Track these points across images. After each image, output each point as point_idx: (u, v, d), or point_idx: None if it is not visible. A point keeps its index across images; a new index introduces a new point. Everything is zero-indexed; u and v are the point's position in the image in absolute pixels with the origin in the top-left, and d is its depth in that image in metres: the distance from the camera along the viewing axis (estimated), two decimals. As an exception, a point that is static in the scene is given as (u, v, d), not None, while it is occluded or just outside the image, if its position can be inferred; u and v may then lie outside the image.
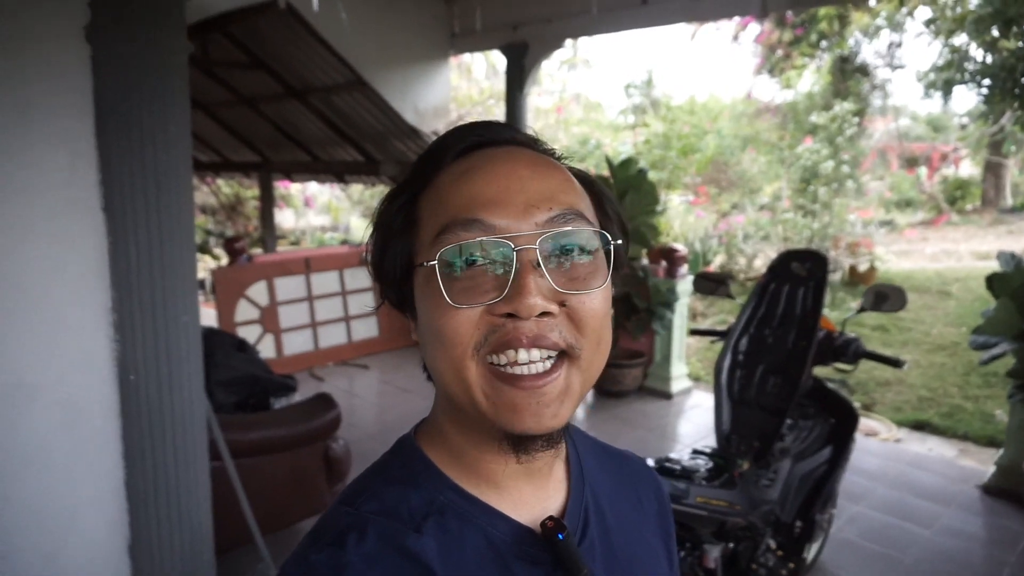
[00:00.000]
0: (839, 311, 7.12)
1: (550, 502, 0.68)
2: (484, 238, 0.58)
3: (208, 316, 5.58)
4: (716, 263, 8.98)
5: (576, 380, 0.60)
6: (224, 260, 6.33)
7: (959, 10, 5.61)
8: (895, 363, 2.38)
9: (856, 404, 5.23)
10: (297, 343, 5.57)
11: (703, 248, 8.59)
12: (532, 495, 0.67)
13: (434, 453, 0.67)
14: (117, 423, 1.92)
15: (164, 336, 1.93)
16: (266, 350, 5.33)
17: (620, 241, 0.65)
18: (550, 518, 0.64)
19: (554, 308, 0.57)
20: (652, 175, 5.89)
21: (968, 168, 16.68)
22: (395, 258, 0.65)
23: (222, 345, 3.30)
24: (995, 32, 5.10)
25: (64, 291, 1.80)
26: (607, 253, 0.63)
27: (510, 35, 5.80)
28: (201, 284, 8.98)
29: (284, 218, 16.47)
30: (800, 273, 2.52)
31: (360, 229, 16.36)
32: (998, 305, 3.44)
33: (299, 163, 8.42)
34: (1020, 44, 5.05)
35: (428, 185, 0.64)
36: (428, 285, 0.60)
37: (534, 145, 0.67)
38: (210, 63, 6.69)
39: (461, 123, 0.71)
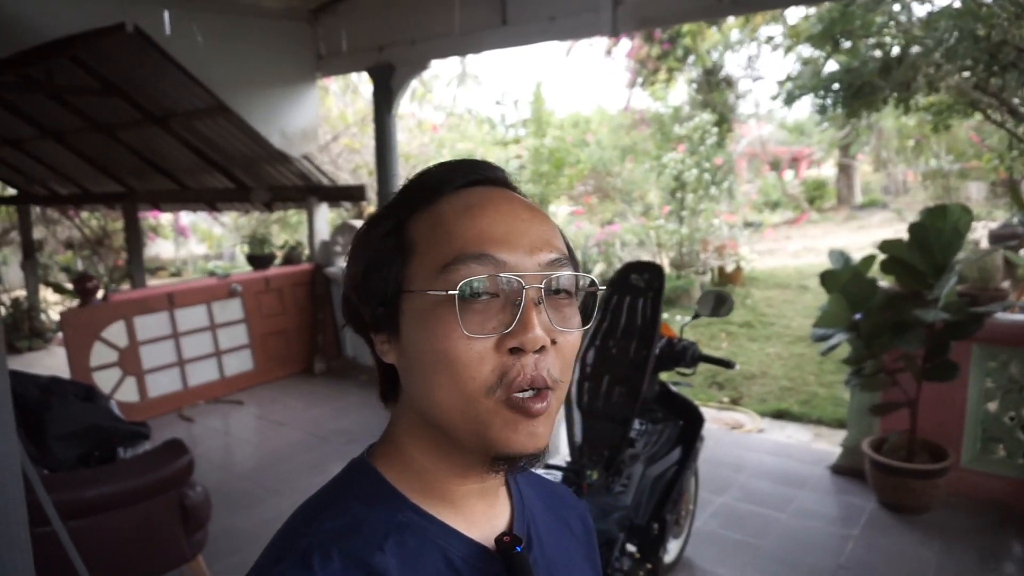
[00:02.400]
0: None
1: (498, 520, 0.73)
2: (501, 274, 0.61)
3: (61, 358, 5.21)
4: (596, 271, 9.26)
5: (555, 406, 0.65)
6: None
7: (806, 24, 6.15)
8: (727, 364, 2.54)
9: (724, 399, 5.54)
10: (163, 383, 5.28)
11: (584, 258, 8.84)
12: (483, 513, 0.71)
13: (391, 474, 0.69)
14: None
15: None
16: (128, 394, 5.03)
17: (604, 287, 0.73)
18: (506, 533, 0.70)
19: (548, 343, 0.62)
20: (531, 189, 6.01)
21: (830, 169, 18.07)
22: (384, 281, 0.66)
23: (62, 395, 3.08)
24: (827, 49, 5.58)
25: None
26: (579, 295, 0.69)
27: (376, 57, 5.78)
28: (59, 326, 8.38)
29: (163, 248, 15.63)
30: (639, 284, 2.64)
31: (242, 259, 15.73)
32: (830, 300, 3.73)
33: (166, 192, 8.04)
34: (845, 57, 5.52)
35: (422, 212, 0.67)
36: (434, 313, 0.62)
37: (516, 189, 0.72)
38: (57, 89, 6.29)
39: (456, 159, 0.73)
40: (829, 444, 4.59)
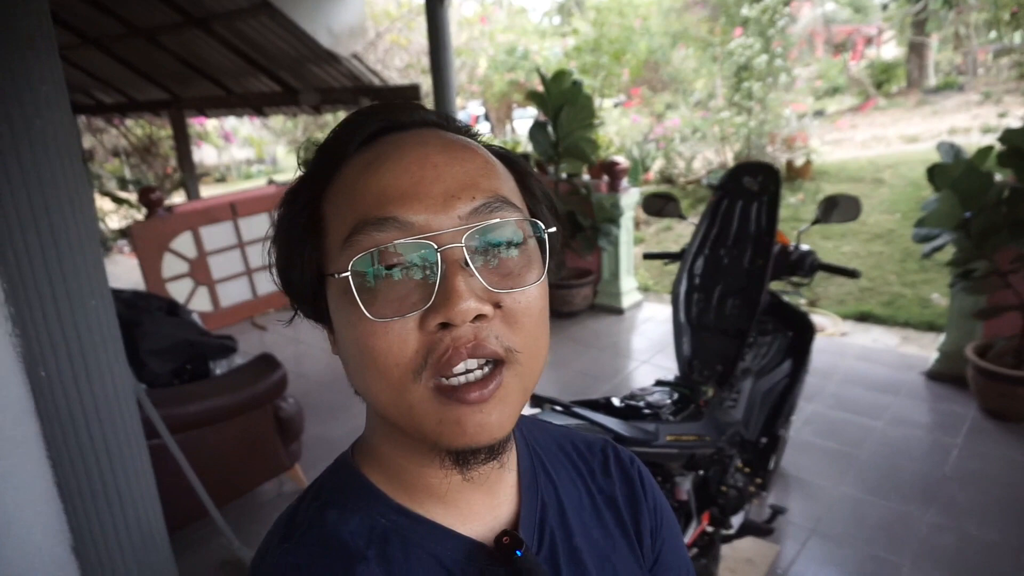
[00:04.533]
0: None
1: (501, 510, 0.64)
2: (402, 240, 0.51)
3: (133, 268, 5.25)
4: (655, 168, 8.91)
5: (515, 385, 0.54)
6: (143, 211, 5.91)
7: None
8: (851, 274, 2.35)
9: (802, 300, 5.35)
10: (233, 293, 5.31)
11: (641, 154, 8.48)
12: (482, 505, 0.63)
13: (373, 473, 0.62)
14: (35, 425, 1.73)
15: (72, 324, 1.72)
16: (201, 303, 5.07)
17: (554, 229, 0.58)
18: (505, 533, 0.61)
19: (488, 310, 0.51)
20: (585, 83, 5.66)
21: (891, 50, 16.83)
22: (302, 267, 0.57)
23: (149, 311, 3.06)
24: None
25: (-57, 288, 1.57)
26: (539, 241, 0.56)
27: (425, -59, 5.35)
28: (124, 233, 8.47)
29: (206, 155, 15.61)
30: (752, 188, 2.43)
31: (288, 160, 15.67)
32: (940, 197, 3.45)
33: (212, 98, 7.86)
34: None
35: (331, 180, 0.57)
36: (344, 298, 0.53)
37: (446, 124, 0.60)
38: (93, -9, 6.05)
39: (364, 102, 0.58)
40: (919, 348, 4.40)
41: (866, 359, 4.20)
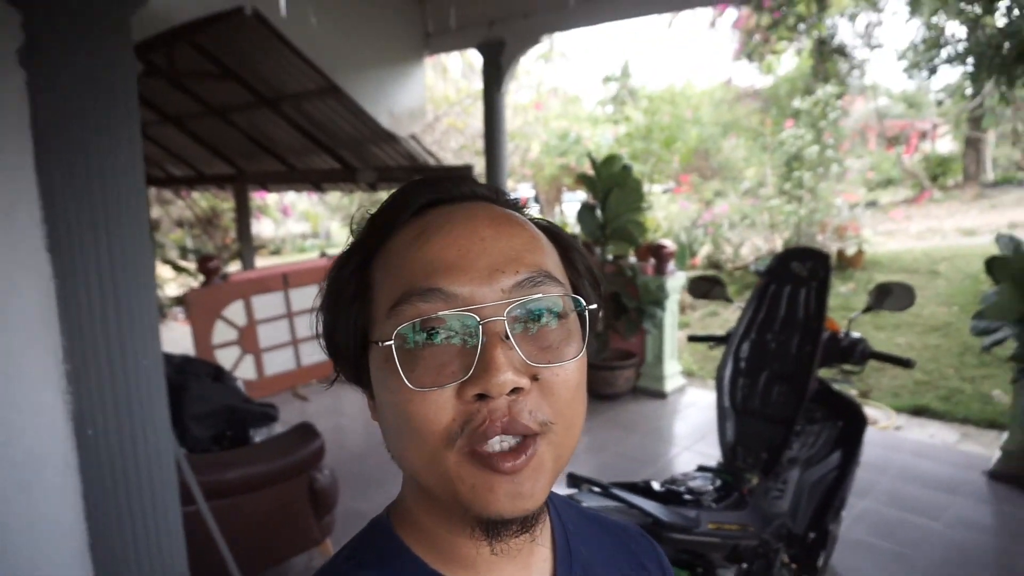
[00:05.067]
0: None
1: None
2: (445, 311, 0.52)
3: (185, 335, 5.40)
4: (702, 253, 8.89)
5: (549, 455, 0.54)
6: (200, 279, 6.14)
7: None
8: (905, 363, 2.27)
9: (853, 392, 5.17)
10: (278, 362, 5.40)
11: (688, 239, 8.49)
12: None
13: (408, 536, 0.62)
14: (76, 480, 1.77)
15: (123, 383, 1.77)
16: (246, 371, 5.16)
17: (595, 306, 0.59)
18: None
19: (525, 383, 0.52)
20: (635, 168, 5.77)
21: (946, 144, 16.72)
22: (348, 331, 0.59)
23: (197, 375, 3.14)
24: (978, 9, 5.04)
25: (8, 343, 1.65)
26: (580, 316, 0.57)
27: (486, 33, 5.64)
28: (180, 301, 8.77)
29: (263, 227, 16.25)
30: (801, 273, 2.40)
31: (340, 235, 16.18)
32: (1000, 290, 3.35)
33: (274, 173, 8.24)
34: (1006, 19, 4.97)
35: (381, 248, 0.59)
36: (385, 365, 0.54)
37: (495, 198, 0.61)
38: (178, 74, 6.50)
39: (417, 178, 0.63)
40: (980, 446, 4.18)
41: (923, 455, 4.00)
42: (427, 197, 0.59)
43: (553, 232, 0.63)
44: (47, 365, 1.69)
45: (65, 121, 1.69)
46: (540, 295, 0.54)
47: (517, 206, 0.63)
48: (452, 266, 0.53)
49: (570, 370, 0.54)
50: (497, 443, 0.52)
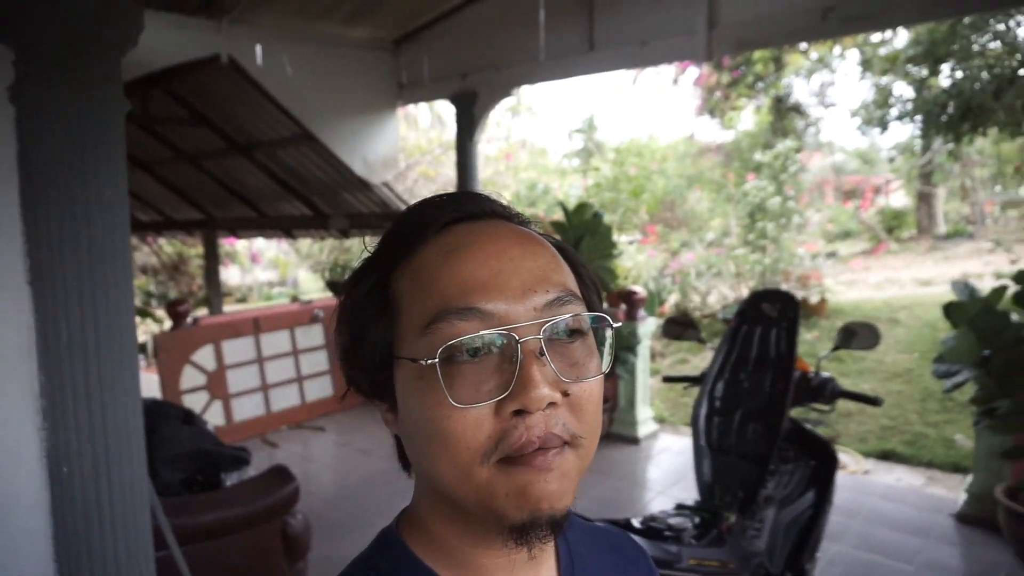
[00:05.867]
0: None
1: None
2: (487, 332, 0.54)
3: (150, 382, 5.29)
4: (671, 302, 9.02)
5: (575, 463, 0.56)
6: (166, 323, 6.04)
7: (888, 49, 5.91)
8: (873, 401, 2.34)
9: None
10: (247, 408, 5.30)
11: (657, 288, 8.62)
12: None
13: (419, 547, 0.63)
14: (47, 520, 1.72)
15: (101, 421, 1.74)
16: (214, 417, 5.06)
17: (619, 324, 0.62)
18: None
19: (558, 398, 0.54)
20: (604, 218, 5.92)
21: (899, 198, 17.39)
22: (372, 347, 0.59)
23: (167, 418, 3.07)
24: (924, 71, 5.35)
25: (-16, 376, 1.62)
26: (594, 331, 0.60)
27: (459, 84, 5.78)
28: (142, 348, 8.57)
29: (229, 275, 16.05)
30: (771, 314, 2.48)
31: (309, 283, 16.05)
32: (957, 334, 3.47)
33: (245, 219, 8.22)
34: (950, 80, 5.29)
35: (404, 263, 0.60)
36: (419, 381, 0.55)
37: (512, 217, 0.64)
38: (150, 120, 6.51)
39: (439, 193, 0.65)
40: (946, 489, 4.26)
41: (891, 499, 4.06)
42: (451, 215, 0.60)
43: (562, 248, 0.66)
44: (23, 400, 1.66)
45: (52, 157, 1.70)
46: (570, 314, 0.56)
47: (529, 223, 0.66)
48: (486, 285, 0.55)
49: (595, 385, 0.57)
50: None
